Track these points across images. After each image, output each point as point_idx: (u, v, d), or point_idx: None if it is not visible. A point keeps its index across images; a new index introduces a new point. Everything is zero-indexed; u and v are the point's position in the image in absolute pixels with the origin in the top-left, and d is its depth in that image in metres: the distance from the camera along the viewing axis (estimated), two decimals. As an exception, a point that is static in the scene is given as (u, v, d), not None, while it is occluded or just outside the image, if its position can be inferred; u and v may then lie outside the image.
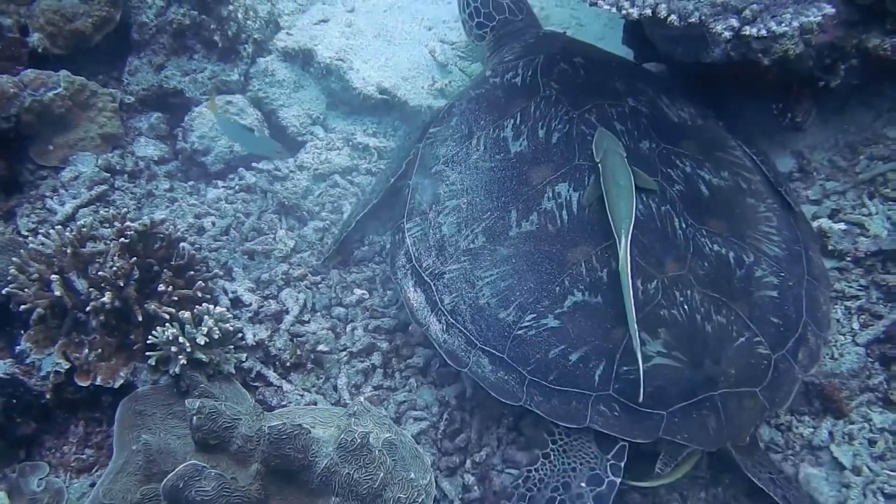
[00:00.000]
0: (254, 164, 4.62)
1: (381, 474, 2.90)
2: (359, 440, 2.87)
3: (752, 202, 3.60)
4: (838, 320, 3.75)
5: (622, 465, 3.17)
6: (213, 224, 4.30)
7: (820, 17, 2.81)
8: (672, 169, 3.55)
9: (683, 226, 3.39)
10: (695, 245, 3.35)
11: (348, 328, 3.92)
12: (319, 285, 4.08)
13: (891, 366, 3.58)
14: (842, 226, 3.92)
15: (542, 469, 3.26)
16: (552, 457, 3.27)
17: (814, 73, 3.87)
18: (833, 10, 2.92)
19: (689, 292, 3.24)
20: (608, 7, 2.92)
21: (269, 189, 4.45)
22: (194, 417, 2.96)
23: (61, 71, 4.43)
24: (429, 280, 3.58)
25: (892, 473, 3.33)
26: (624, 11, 2.90)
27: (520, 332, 3.29)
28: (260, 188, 4.48)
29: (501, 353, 3.32)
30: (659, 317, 3.17)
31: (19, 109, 4.23)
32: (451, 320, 3.46)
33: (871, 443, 3.43)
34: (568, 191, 3.47)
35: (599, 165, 3.41)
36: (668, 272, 3.27)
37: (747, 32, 2.82)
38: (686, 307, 3.20)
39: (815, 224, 3.95)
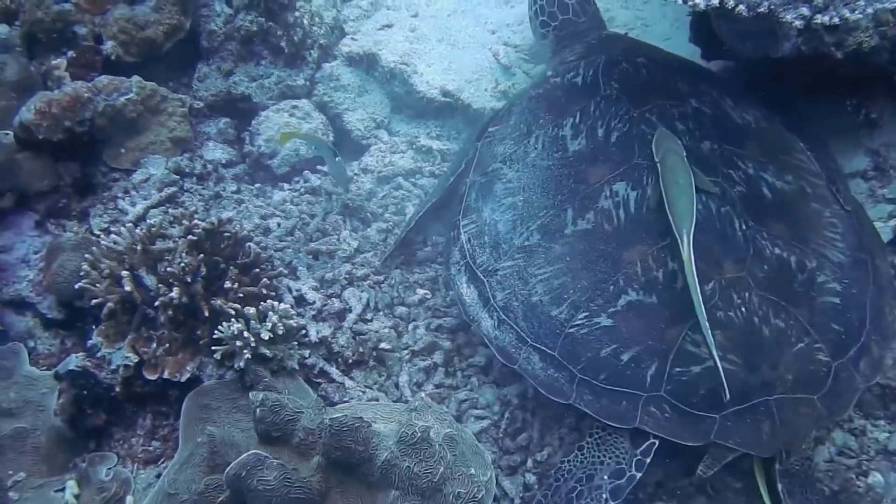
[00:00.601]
0: (318, 167, 4.67)
1: (441, 469, 2.89)
2: (419, 434, 2.87)
3: (817, 207, 3.51)
4: (916, 321, 3.61)
5: (647, 461, 3.15)
6: (279, 225, 4.36)
7: (894, 4, 2.70)
8: (733, 170, 3.47)
9: (743, 227, 3.31)
10: (755, 247, 3.27)
11: (410, 327, 3.93)
12: (382, 285, 4.10)
13: (971, 369, 3.44)
14: (920, 223, 3.80)
15: (573, 461, 3.28)
16: (585, 449, 3.26)
17: (889, 67, 3.75)
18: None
19: (746, 294, 3.16)
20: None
21: (333, 191, 4.49)
22: (258, 409, 3.00)
23: (133, 77, 4.55)
24: (482, 276, 3.58)
25: (973, 481, 3.20)
26: (691, 3, 2.85)
27: (571, 330, 3.27)
28: (325, 190, 4.53)
29: (552, 351, 3.30)
30: (715, 318, 3.09)
31: (93, 114, 4.35)
32: (503, 317, 3.45)
33: (950, 448, 3.31)
34: (626, 190, 3.43)
35: (658, 165, 3.36)
36: (727, 273, 3.19)
37: (819, 21, 2.73)
38: (743, 309, 3.13)
39: (891, 222, 3.83)
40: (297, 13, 4.84)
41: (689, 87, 3.77)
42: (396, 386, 3.70)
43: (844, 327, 3.23)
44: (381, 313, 3.99)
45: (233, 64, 4.95)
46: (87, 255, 3.65)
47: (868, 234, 3.62)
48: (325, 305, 3.91)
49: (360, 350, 3.74)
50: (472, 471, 2.97)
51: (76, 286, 3.60)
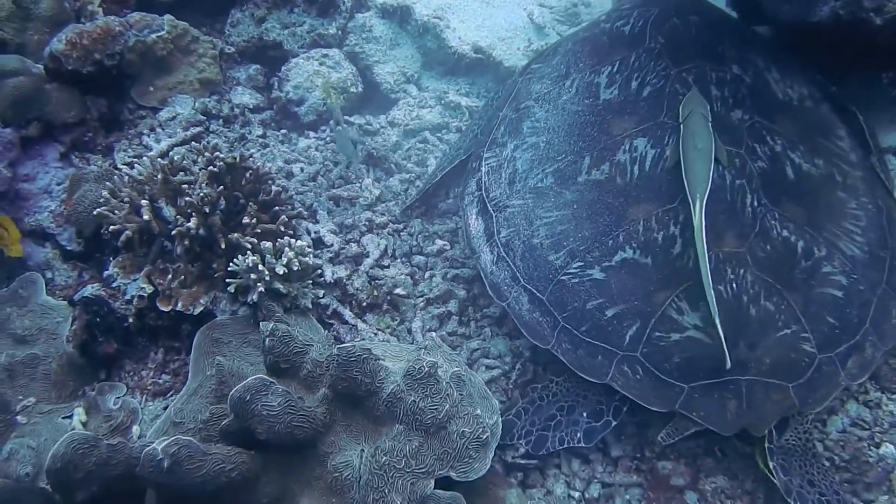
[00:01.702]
0: (346, 117, 4.64)
1: (447, 406, 2.85)
2: (426, 369, 2.84)
3: (843, 196, 3.39)
4: (940, 296, 3.54)
5: (624, 409, 3.16)
6: (302, 170, 4.34)
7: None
8: (760, 144, 3.38)
9: (755, 203, 3.22)
10: (762, 225, 3.19)
11: (427, 275, 3.91)
12: (401, 233, 4.07)
13: None
14: (955, 199, 3.70)
15: (560, 384, 3.32)
16: (574, 379, 3.24)
17: (931, 38, 3.66)
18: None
19: (741, 271, 3.09)
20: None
21: (358, 140, 4.47)
22: (267, 339, 2.98)
23: (166, 15, 4.55)
24: (492, 210, 3.55)
25: None
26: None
27: (564, 277, 3.24)
28: (351, 139, 4.50)
29: (541, 295, 3.27)
30: (704, 290, 3.01)
31: (123, 48, 4.36)
32: (503, 253, 3.43)
33: (969, 425, 3.23)
34: (645, 146, 3.37)
35: (682, 126, 3.30)
36: (726, 247, 3.12)
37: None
38: (734, 285, 3.06)
39: (926, 197, 3.74)
40: (333, -40, 4.82)
41: (735, 53, 3.68)
42: (409, 331, 3.68)
43: (840, 322, 3.13)
44: (398, 261, 3.97)
45: (266, 11, 4.94)
46: (107, 184, 3.67)
47: (895, 232, 3.49)
48: (342, 249, 3.89)
49: (375, 294, 3.72)
50: (479, 411, 2.93)
51: (94, 212, 3.60)
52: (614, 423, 3.17)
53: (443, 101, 4.84)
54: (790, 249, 3.17)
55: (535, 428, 3.23)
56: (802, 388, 3.02)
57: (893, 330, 3.22)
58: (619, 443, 3.33)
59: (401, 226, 4.11)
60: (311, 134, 4.66)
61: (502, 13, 5.08)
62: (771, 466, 3.04)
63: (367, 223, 4.05)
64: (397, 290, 3.75)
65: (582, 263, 3.22)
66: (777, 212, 3.23)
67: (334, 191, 4.21)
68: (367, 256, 3.89)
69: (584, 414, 3.20)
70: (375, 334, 3.60)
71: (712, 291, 2.92)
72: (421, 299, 3.79)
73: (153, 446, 2.58)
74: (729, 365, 2.92)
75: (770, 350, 3.02)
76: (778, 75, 3.67)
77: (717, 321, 2.89)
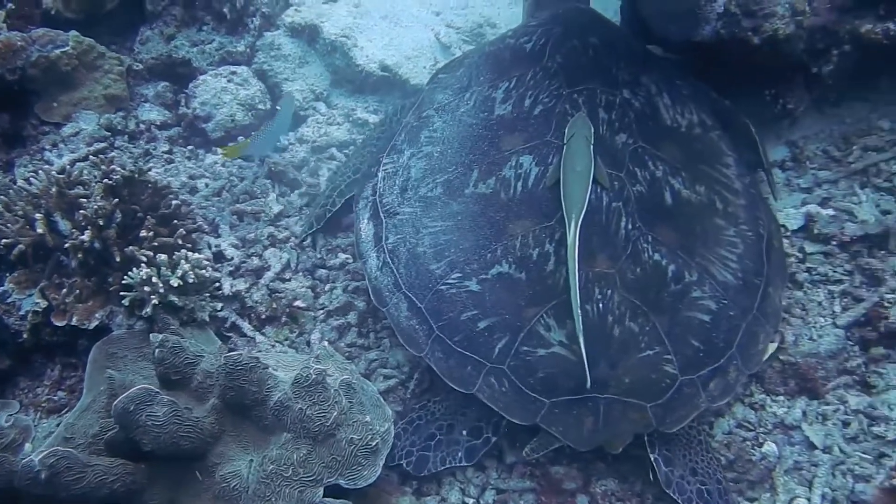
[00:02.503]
0: (252, 133, 4.67)
1: (335, 413, 2.89)
2: (314, 376, 2.87)
3: (721, 223, 3.47)
4: (820, 303, 3.70)
5: (503, 424, 3.22)
6: (207, 185, 4.37)
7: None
8: (641, 169, 3.46)
9: (629, 227, 3.31)
10: (634, 248, 3.27)
11: (327, 287, 3.95)
12: (305, 247, 4.11)
13: (870, 349, 3.51)
14: (830, 211, 3.88)
15: (440, 403, 3.38)
16: (452, 395, 3.29)
17: (806, 57, 3.85)
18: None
19: (609, 292, 3.17)
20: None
21: (263, 156, 4.50)
22: (157, 350, 2.99)
23: (71, 31, 4.55)
24: (383, 216, 3.61)
25: (864, 455, 3.26)
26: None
27: (443, 287, 3.30)
28: (257, 156, 4.54)
29: (420, 303, 3.34)
30: (571, 308, 3.09)
31: (25, 63, 4.35)
32: (388, 259, 3.49)
33: (845, 424, 3.37)
34: (530, 164, 3.46)
35: (565, 147, 3.39)
36: (596, 267, 3.21)
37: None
38: (600, 305, 3.14)
39: (802, 209, 3.92)
40: (240, -20, 4.87)
41: (629, 77, 3.75)
42: (308, 344, 3.71)
43: (705, 345, 3.21)
44: (300, 274, 4.00)
45: (175, 28, 4.97)
46: (1, 197, 3.64)
47: (774, 262, 3.60)
48: (243, 262, 3.93)
49: (274, 306, 3.76)
50: (368, 419, 2.97)
51: (-15, 224, 3.57)
52: (494, 439, 3.25)
53: (351, 119, 4.90)
54: (660, 273, 3.25)
55: (416, 448, 3.27)
56: (661, 408, 3.10)
57: (759, 355, 3.34)
58: (514, 449, 3.38)
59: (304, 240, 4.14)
60: (219, 150, 4.66)
61: (410, 33, 5.17)
62: (652, 459, 3.15)
63: (269, 238, 4.08)
64: (297, 303, 3.79)
65: (460, 274, 3.29)
66: (651, 235, 3.31)
67: (238, 206, 4.24)
68: (269, 270, 3.92)
69: (464, 432, 3.26)
70: (273, 346, 3.62)
71: (579, 310, 3.00)
72: (321, 311, 3.83)
73: (30, 457, 2.57)
74: (589, 384, 3.01)
75: (631, 370, 3.10)
76: (669, 101, 3.75)
77: (581, 340, 2.98)
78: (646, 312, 3.16)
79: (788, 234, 3.92)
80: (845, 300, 3.68)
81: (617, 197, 3.35)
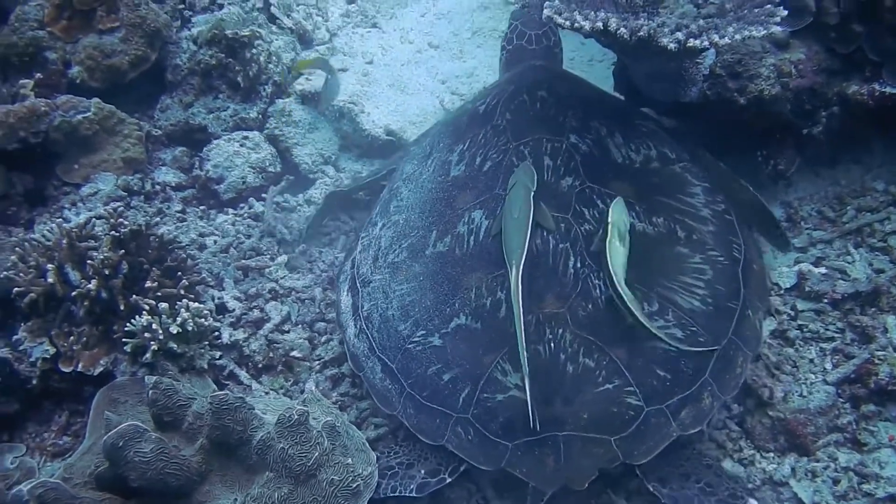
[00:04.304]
0: (263, 195, 4.85)
1: (316, 454, 2.95)
2: (296, 417, 2.94)
3: (684, 252, 3.52)
4: (811, 360, 3.71)
5: (462, 468, 3.27)
6: (215, 242, 4.52)
7: (763, 32, 2.91)
8: (589, 208, 3.53)
9: (578, 265, 3.38)
10: (584, 286, 3.33)
11: (324, 339, 4.05)
12: (305, 301, 4.22)
13: (861, 406, 3.51)
14: (822, 270, 3.92)
15: (405, 445, 3.45)
16: (419, 443, 3.38)
17: (794, 118, 3.96)
18: (779, 29, 3.02)
19: (560, 331, 3.24)
20: (563, 22, 3.08)
21: (272, 219, 4.63)
22: (151, 391, 3.09)
23: (94, 98, 4.81)
24: (359, 286, 3.76)
25: (852, 512, 3.24)
26: (577, 25, 3.06)
27: (410, 345, 3.42)
28: (267, 220, 4.67)
29: (392, 363, 3.45)
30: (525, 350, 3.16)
31: (48, 127, 4.59)
32: (364, 326, 3.63)
33: (835, 482, 3.36)
34: (480, 218, 3.58)
35: (506, 197, 3.50)
36: (545, 308, 3.29)
37: (692, 44, 2.93)
38: (552, 345, 3.21)
39: (795, 267, 3.96)
40: (254, 50, 5.11)
41: (577, 123, 3.81)
42: (302, 392, 3.79)
43: (672, 374, 3.22)
44: (299, 327, 4.11)
45: (193, 97, 5.20)
46: (17, 248, 3.82)
47: (752, 285, 3.64)
48: (244, 314, 4.05)
49: (271, 355, 3.87)
50: (350, 461, 3.03)
51: (1, 275, 3.74)
52: (449, 479, 3.28)
53: (357, 182, 5.06)
54: (614, 307, 3.27)
55: None
56: (626, 440, 3.12)
57: (736, 379, 3.34)
58: (502, 499, 3.41)
59: (305, 294, 4.26)
60: (231, 210, 4.84)
61: (415, 100, 5.37)
62: (651, 488, 3.18)
63: (271, 292, 4.21)
64: (294, 353, 3.90)
65: (424, 332, 3.41)
66: (601, 272, 3.35)
67: (243, 261, 4.38)
68: (268, 321, 4.04)
69: (422, 471, 3.32)
70: (266, 393, 3.71)
71: (525, 353, 3.07)
72: (317, 362, 3.93)
73: (19, 488, 2.67)
74: (535, 424, 3.07)
75: (588, 405, 3.13)
76: (621, 140, 3.78)
77: (527, 381, 3.05)
78: (601, 347, 3.21)
79: (781, 292, 3.95)
80: (836, 357, 3.69)
81: (564, 238, 3.44)
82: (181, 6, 5.51)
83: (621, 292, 3.16)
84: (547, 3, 3.20)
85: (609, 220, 3.34)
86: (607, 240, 3.29)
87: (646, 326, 3.14)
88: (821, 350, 3.75)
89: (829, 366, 3.68)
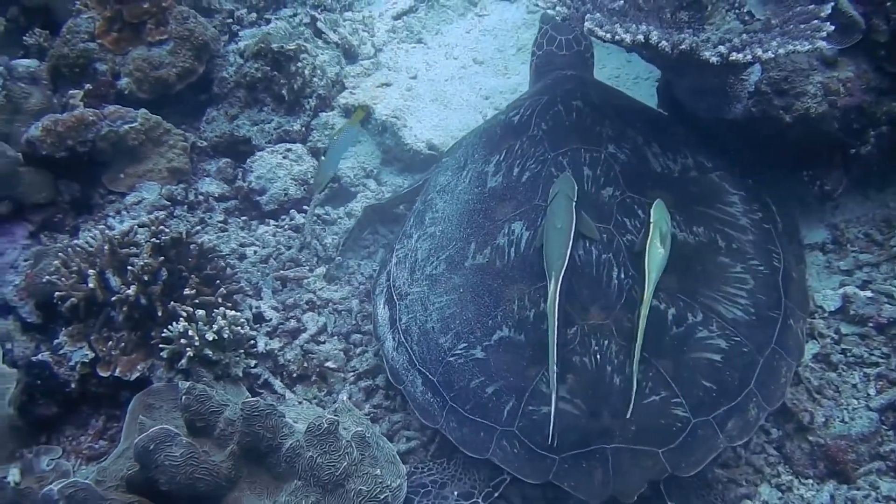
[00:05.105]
0: (305, 207, 4.88)
1: (345, 464, 2.95)
2: (326, 425, 2.94)
3: (726, 261, 3.49)
4: (854, 385, 3.63)
5: (496, 494, 3.28)
6: (255, 252, 4.55)
7: (808, 47, 2.85)
8: (630, 218, 3.52)
9: (622, 276, 3.36)
10: (628, 297, 3.31)
11: (359, 351, 4.05)
12: (342, 312, 4.23)
13: (905, 433, 3.42)
14: (867, 293, 3.82)
15: (438, 462, 3.46)
16: (453, 462, 3.41)
17: (841, 137, 3.87)
18: (825, 44, 2.96)
19: (605, 342, 3.21)
20: (604, 35, 3.06)
21: (310, 234, 4.65)
22: (184, 397, 3.12)
23: (141, 109, 4.90)
24: (396, 299, 3.74)
25: (894, 542, 3.14)
26: (618, 38, 3.03)
27: (451, 358, 3.39)
28: (307, 231, 4.69)
29: (433, 377, 3.43)
30: (570, 362, 3.17)
31: (95, 136, 4.68)
32: (403, 339, 3.60)
33: (876, 511, 3.27)
34: (521, 229, 3.56)
35: (548, 208, 3.48)
36: (591, 320, 3.27)
37: (734, 58, 2.89)
38: (598, 356, 3.18)
39: (840, 290, 3.87)
40: (299, 64, 5.17)
41: (613, 133, 3.81)
42: (335, 402, 3.78)
43: (719, 385, 3.20)
44: (335, 338, 4.11)
45: (239, 109, 5.27)
46: (60, 254, 3.89)
47: (793, 294, 3.58)
48: (281, 324, 4.07)
49: (305, 365, 3.87)
50: (379, 472, 3.01)
51: (44, 279, 3.81)
52: None
53: (398, 195, 5.07)
54: (659, 318, 3.25)
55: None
56: (674, 452, 3.08)
57: (782, 389, 3.29)
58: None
59: (342, 306, 4.26)
60: (272, 222, 4.87)
61: (458, 115, 5.37)
62: None
63: (308, 303, 4.23)
64: (328, 364, 3.90)
65: (466, 344, 3.39)
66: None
67: (282, 272, 4.41)
68: (305, 332, 4.05)
69: (455, 493, 3.31)
70: (300, 403, 3.71)
71: (555, 366, 3.06)
72: (352, 374, 3.93)
73: (50, 486, 2.69)
74: (551, 441, 3.07)
75: (636, 417, 3.09)
76: (658, 149, 3.79)
77: (554, 395, 3.04)
78: (646, 358, 3.17)
79: (825, 315, 3.87)
80: (880, 383, 3.60)
81: (607, 249, 3.42)
82: (229, 20, 5.64)
83: (647, 298, 3.15)
84: (588, 15, 3.18)
85: (651, 219, 3.34)
86: (647, 241, 3.28)
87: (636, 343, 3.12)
88: (864, 375, 3.67)
89: (872, 391, 3.59)
